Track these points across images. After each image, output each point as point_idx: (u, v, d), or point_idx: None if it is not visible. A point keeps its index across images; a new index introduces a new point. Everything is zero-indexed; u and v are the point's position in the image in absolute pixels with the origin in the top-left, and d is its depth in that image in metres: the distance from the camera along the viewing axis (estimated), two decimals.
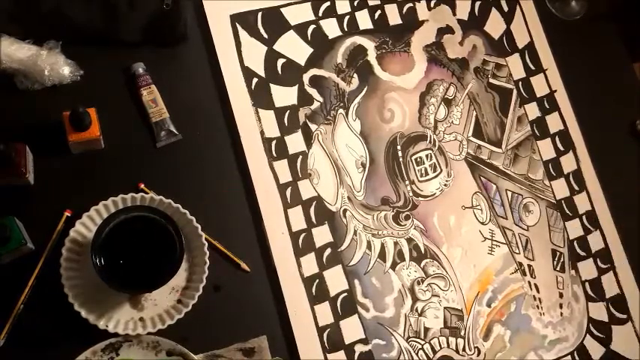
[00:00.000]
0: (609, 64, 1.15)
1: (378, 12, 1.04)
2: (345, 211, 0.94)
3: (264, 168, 0.92)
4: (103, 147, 0.87)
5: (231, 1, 0.97)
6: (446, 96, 1.04)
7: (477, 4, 1.10)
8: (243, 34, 0.96)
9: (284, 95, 0.96)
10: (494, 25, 1.10)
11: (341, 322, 0.90)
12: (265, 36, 0.97)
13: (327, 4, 1.02)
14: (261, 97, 0.95)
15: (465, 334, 0.95)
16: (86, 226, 0.82)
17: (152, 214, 0.79)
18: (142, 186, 0.87)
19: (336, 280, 0.91)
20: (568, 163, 1.08)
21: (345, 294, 0.91)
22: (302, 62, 0.98)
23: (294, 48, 0.98)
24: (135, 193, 0.84)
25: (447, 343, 0.93)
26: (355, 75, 1.00)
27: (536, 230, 1.03)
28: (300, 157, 0.94)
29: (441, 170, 1.01)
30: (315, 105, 0.97)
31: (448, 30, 1.07)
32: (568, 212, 1.06)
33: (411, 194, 0.98)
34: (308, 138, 0.95)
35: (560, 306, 1.00)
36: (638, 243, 1.07)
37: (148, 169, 0.88)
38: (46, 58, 0.85)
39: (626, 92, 1.15)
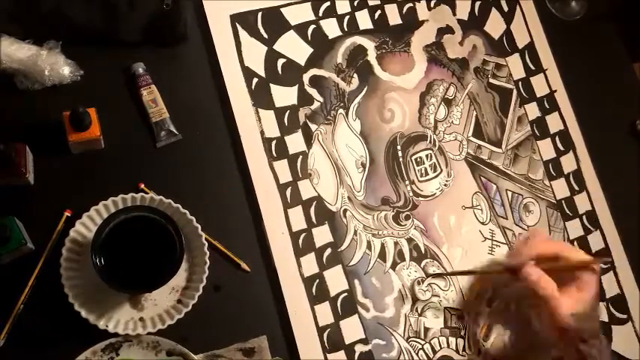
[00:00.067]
0: (609, 64, 1.15)
1: (378, 12, 1.04)
2: (345, 211, 0.94)
3: (264, 168, 0.92)
4: (103, 147, 0.87)
5: (231, 1, 0.97)
6: (446, 96, 1.04)
7: (477, 4, 1.10)
8: (243, 34, 0.96)
9: (284, 95, 0.96)
10: (494, 25, 1.10)
11: (341, 322, 0.89)
12: (265, 36, 0.97)
13: (327, 4, 1.02)
14: (261, 97, 0.95)
15: (465, 334, 0.95)
16: (86, 226, 0.82)
17: (152, 214, 0.79)
18: (142, 186, 0.87)
19: (336, 280, 0.91)
20: (568, 163, 1.08)
21: (345, 294, 0.91)
22: (302, 62, 0.98)
23: (294, 48, 0.98)
24: (135, 193, 0.84)
25: (447, 343, 0.93)
26: (355, 75, 1.00)
27: None
28: (300, 157, 0.94)
29: (441, 170, 1.01)
30: (315, 105, 0.97)
31: (448, 30, 1.07)
32: (568, 212, 1.06)
33: (411, 194, 0.98)
34: (308, 138, 0.95)
35: None
36: (638, 243, 1.06)
37: (148, 169, 0.88)
38: (46, 58, 0.85)
39: (626, 92, 1.15)
